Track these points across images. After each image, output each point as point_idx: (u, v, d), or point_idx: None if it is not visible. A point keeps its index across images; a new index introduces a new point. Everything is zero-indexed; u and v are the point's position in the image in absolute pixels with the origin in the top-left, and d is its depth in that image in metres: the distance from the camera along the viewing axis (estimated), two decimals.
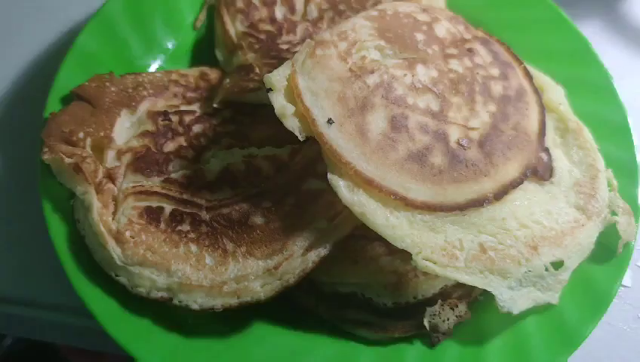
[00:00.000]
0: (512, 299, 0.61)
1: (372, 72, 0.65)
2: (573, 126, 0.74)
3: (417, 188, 0.61)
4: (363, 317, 0.64)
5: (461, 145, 0.64)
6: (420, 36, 0.71)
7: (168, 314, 0.61)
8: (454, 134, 0.65)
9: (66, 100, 0.69)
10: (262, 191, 0.64)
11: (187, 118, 0.70)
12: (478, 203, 0.63)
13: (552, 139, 0.73)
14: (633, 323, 0.77)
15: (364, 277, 0.64)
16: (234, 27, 0.78)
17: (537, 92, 0.74)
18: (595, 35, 0.99)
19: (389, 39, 0.69)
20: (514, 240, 0.63)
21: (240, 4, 0.78)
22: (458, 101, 0.67)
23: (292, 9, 0.79)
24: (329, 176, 0.60)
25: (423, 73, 0.67)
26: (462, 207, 0.62)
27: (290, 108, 0.62)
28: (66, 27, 0.85)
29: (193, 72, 0.75)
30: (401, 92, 0.65)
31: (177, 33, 0.80)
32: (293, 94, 0.63)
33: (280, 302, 0.62)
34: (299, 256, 0.60)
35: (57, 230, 0.63)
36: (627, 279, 0.79)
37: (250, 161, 0.66)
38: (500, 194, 0.64)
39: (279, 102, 0.62)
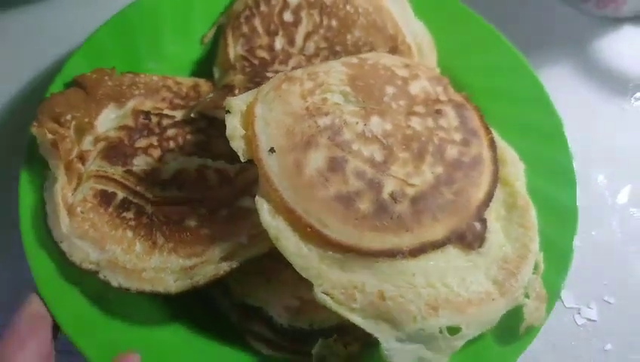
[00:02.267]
0: (398, 351, 0.64)
1: (326, 114, 0.70)
2: (522, 203, 0.76)
3: (336, 227, 0.65)
4: (264, 331, 0.69)
5: (393, 197, 0.68)
6: (390, 89, 0.76)
7: (95, 286, 0.68)
8: (390, 186, 0.69)
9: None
10: (203, 198, 0.71)
11: (165, 121, 0.77)
12: (391, 254, 0.66)
13: (496, 211, 0.75)
14: (599, 356, 0.80)
15: (271, 295, 0.69)
16: (234, 49, 0.85)
17: (496, 164, 0.76)
18: (566, 76, 1.03)
19: (357, 87, 0.74)
20: (416, 297, 0.66)
21: (245, 29, 0.85)
22: (405, 157, 0.71)
23: (292, 42, 0.86)
24: (257, 197, 0.65)
25: (377, 124, 0.72)
26: (375, 254, 0.66)
27: (240, 131, 0.68)
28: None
29: (187, 82, 0.83)
30: (349, 137, 0.69)
31: (186, 46, 0.88)
32: (248, 119, 0.69)
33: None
34: (214, 263, 0.66)
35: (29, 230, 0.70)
36: (593, 313, 0.83)
37: (203, 170, 0.73)
38: (417, 251, 0.67)
39: (232, 124, 0.68)
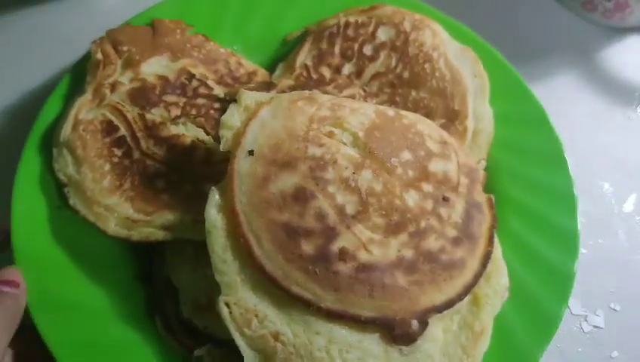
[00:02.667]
0: None
1: (321, 145, 0.68)
2: (478, 330, 0.68)
3: (269, 252, 0.64)
4: (170, 313, 0.69)
5: (342, 253, 0.65)
6: (406, 155, 0.72)
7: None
8: (344, 242, 0.65)
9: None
10: (181, 168, 0.73)
11: (201, 90, 0.80)
12: (306, 303, 0.63)
13: (449, 323, 0.69)
14: None
15: (189, 282, 0.69)
16: (304, 56, 0.86)
17: (476, 279, 0.70)
18: (571, 85, 1.04)
19: (372, 137, 0.71)
20: (307, 355, 0.62)
21: (324, 44, 0.86)
22: (378, 223, 0.67)
23: (359, 74, 0.84)
24: (212, 188, 0.66)
25: (367, 179, 0.68)
26: (291, 295, 0.64)
27: (234, 122, 0.69)
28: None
29: (249, 67, 0.86)
30: (330, 177, 0.67)
31: (274, 38, 0.91)
32: (249, 116, 0.70)
33: None
34: (154, 227, 0.68)
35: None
36: (600, 320, 0.84)
37: (197, 144, 0.75)
38: (334, 315, 0.64)
39: (231, 112, 0.69)
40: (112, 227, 0.68)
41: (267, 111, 0.70)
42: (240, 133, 0.68)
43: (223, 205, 0.65)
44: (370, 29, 0.86)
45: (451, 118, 0.81)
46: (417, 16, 0.86)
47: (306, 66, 0.85)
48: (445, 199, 0.72)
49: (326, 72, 0.85)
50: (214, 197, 0.66)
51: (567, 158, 0.80)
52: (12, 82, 0.92)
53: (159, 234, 0.68)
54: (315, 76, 0.84)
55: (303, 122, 0.69)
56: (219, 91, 0.81)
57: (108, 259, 0.72)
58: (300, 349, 0.62)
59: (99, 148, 0.73)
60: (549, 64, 0.98)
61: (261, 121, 0.69)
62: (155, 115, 0.77)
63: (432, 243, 0.69)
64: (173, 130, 0.76)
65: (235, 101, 0.70)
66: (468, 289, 0.69)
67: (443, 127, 0.80)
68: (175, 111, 0.78)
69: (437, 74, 0.82)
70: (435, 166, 0.73)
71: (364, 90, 0.84)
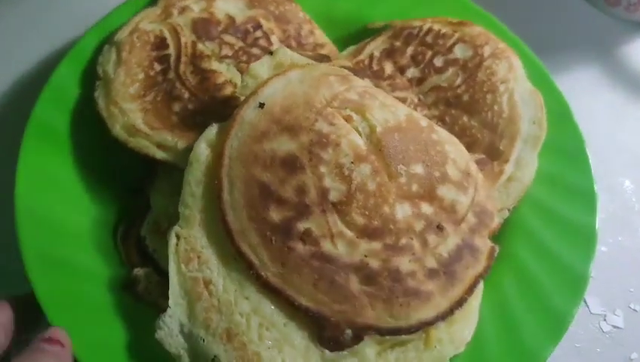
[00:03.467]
0: (171, 335, 0.60)
1: (332, 124, 0.65)
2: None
3: (236, 203, 0.63)
4: (136, 227, 0.71)
5: (304, 235, 0.62)
6: (417, 168, 0.67)
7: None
8: (312, 224, 0.62)
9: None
10: (202, 100, 0.73)
11: (262, 42, 0.81)
12: (249, 266, 0.61)
13: (387, 348, 0.64)
14: None
15: (160, 205, 0.70)
16: (375, 47, 0.84)
17: (436, 319, 0.64)
18: (592, 80, 1.01)
19: (389, 136, 0.67)
20: (228, 312, 0.60)
21: (398, 42, 0.83)
22: (357, 221, 0.63)
23: (421, 81, 0.80)
24: (212, 124, 0.66)
25: (363, 174, 0.64)
26: (239, 252, 0.62)
27: (261, 73, 0.69)
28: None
29: (320, 39, 0.85)
30: (326, 157, 0.64)
31: (356, 22, 0.89)
32: (279, 69, 0.69)
33: None
34: (151, 142, 0.70)
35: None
36: (619, 320, 0.81)
37: (227, 85, 0.75)
38: (269, 287, 0.61)
39: (260, 63, 0.69)
40: (117, 128, 0.71)
41: (297, 73, 0.68)
42: (261, 84, 0.67)
43: (215, 143, 0.65)
44: (450, 42, 0.82)
45: (492, 156, 0.75)
46: (501, 45, 0.81)
47: (371, 56, 0.83)
48: (440, 228, 0.67)
49: (388, 68, 0.82)
50: (210, 132, 0.66)
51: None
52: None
53: (153, 150, 0.69)
54: (375, 68, 0.82)
55: (325, 96, 0.67)
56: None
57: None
58: (223, 306, 0.61)
59: (142, 58, 0.76)
60: (570, 58, 0.99)
61: (286, 81, 0.68)
62: (206, 47, 0.78)
63: (404, 263, 0.64)
64: (215, 65, 0.77)
65: (271, 53, 0.70)
66: (422, 325, 0.64)
67: (480, 162, 0.74)
68: (226, 51, 0.79)
69: (495, 107, 0.77)
70: (446, 192, 0.68)
71: (419, 99, 0.80)
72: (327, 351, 0.61)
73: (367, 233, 0.64)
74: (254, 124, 0.65)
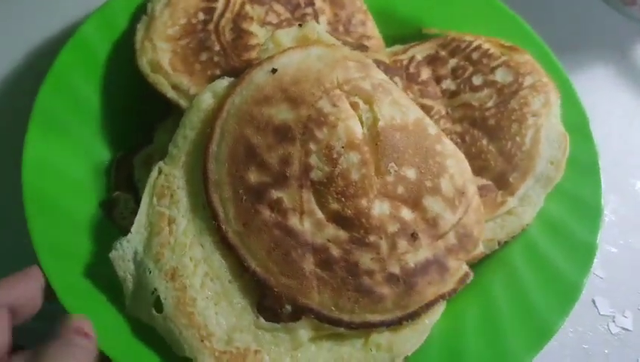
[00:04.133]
0: (124, 259, 0.62)
1: (334, 105, 0.65)
2: None
3: (221, 155, 0.64)
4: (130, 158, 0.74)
5: (274, 203, 0.63)
6: (410, 173, 0.66)
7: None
8: (285, 196, 0.63)
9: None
10: (229, 56, 0.75)
11: (308, 18, 0.82)
12: (214, 216, 0.63)
13: (323, 336, 0.63)
14: None
15: (159, 141, 0.73)
16: (418, 50, 0.83)
17: (381, 325, 0.63)
18: (605, 80, 1.01)
19: (389, 133, 0.65)
20: (179, 253, 0.62)
21: (443, 52, 0.82)
22: (331, 205, 0.63)
23: (454, 95, 0.79)
24: (224, 77, 0.68)
25: (350, 162, 0.64)
26: (208, 201, 0.63)
27: (284, 41, 0.69)
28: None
29: (370, 31, 0.84)
30: (319, 136, 0.64)
31: (412, 24, 0.89)
32: (303, 42, 0.70)
33: None
34: (169, 82, 0.73)
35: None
36: (628, 322, 0.82)
37: (257, 47, 0.76)
38: (225, 242, 0.62)
39: (286, 32, 0.70)
40: (144, 62, 0.74)
41: (318, 50, 0.69)
42: (280, 51, 0.68)
43: (220, 96, 0.67)
44: (494, 63, 0.80)
45: (499, 185, 0.72)
46: (545, 79, 0.77)
47: (412, 58, 0.82)
48: (414, 236, 0.65)
49: (424, 74, 0.81)
50: (219, 84, 0.68)
51: (600, 156, 0.77)
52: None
53: (167, 89, 0.72)
54: (412, 70, 0.81)
55: (338, 78, 0.67)
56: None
57: None
58: (177, 246, 0.62)
59: (190, 5, 0.79)
60: (584, 58, 0.99)
61: (305, 55, 0.68)
62: (253, 10, 0.80)
63: (365, 260, 0.63)
64: (254, 28, 0.78)
65: (300, 25, 0.70)
66: (365, 325, 0.63)
67: (485, 188, 0.72)
68: (271, 18, 0.80)
69: (517, 139, 0.74)
70: (432, 204, 0.66)
71: (447, 112, 0.78)
72: (262, 319, 0.62)
73: (337, 220, 0.64)
74: (261, 87, 0.66)
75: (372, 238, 0.64)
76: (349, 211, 0.64)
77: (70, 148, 0.72)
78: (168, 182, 0.65)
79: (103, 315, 0.62)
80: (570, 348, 0.68)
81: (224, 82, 0.68)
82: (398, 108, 0.68)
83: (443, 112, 0.78)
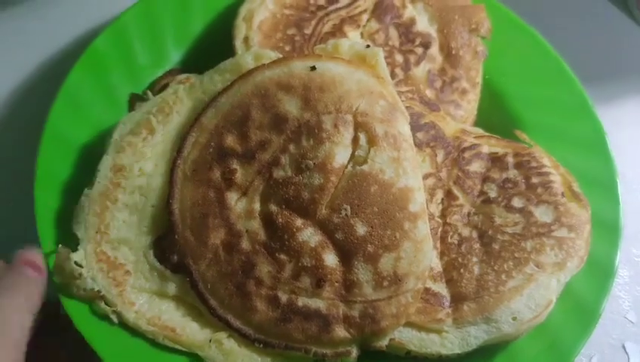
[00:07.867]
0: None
1: (334, 115, 0.65)
2: None
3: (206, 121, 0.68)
4: None
5: (231, 172, 0.65)
6: (360, 229, 0.63)
7: None
8: (247, 171, 0.65)
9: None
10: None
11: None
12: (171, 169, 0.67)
13: None
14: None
15: None
16: (486, 143, 0.77)
17: None
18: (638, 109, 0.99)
19: (354, 182, 0.64)
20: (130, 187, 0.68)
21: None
22: (288, 195, 0.64)
23: (481, 195, 0.73)
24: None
25: (323, 159, 0.64)
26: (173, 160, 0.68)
27: (344, 53, 0.69)
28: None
29: (469, 104, 0.82)
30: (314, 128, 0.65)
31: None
32: (359, 60, 0.69)
33: None
34: None
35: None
36: (632, 314, 0.83)
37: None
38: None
39: (352, 46, 0.70)
40: (239, 41, 0.78)
41: (363, 74, 0.67)
42: (333, 55, 0.69)
43: (259, 63, 0.70)
44: (545, 198, 0.71)
45: (452, 304, 0.66)
46: (582, 248, 0.68)
47: (477, 146, 0.76)
48: (321, 282, 0.63)
49: (475, 166, 0.74)
50: (266, 55, 0.70)
51: (620, 185, 0.77)
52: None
53: (240, 36, 0.78)
54: (465, 155, 0.75)
55: (358, 107, 0.65)
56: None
57: None
58: (138, 152, 0.69)
59: None
60: (619, 87, 0.99)
61: (350, 72, 0.67)
62: (369, 22, 0.82)
63: (263, 269, 0.64)
64: (352, 34, 0.80)
65: (368, 46, 0.70)
66: (223, 321, 0.63)
67: (436, 296, 0.67)
68: (378, 37, 0.81)
69: (503, 276, 0.66)
70: (360, 268, 0.64)
71: (469, 212, 0.72)
72: (151, 252, 0.65)
73: (267, 220, 0.64)
74: (292, 75, 0.67)
75: (283, 256, 0.63)
76: (281, 220, 0.64)
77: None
78: (173, 102, 0.70)
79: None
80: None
81: (272, 56, 0.70)
82: (396, 167, 0.65)
83: (465, 210, 0.72)
